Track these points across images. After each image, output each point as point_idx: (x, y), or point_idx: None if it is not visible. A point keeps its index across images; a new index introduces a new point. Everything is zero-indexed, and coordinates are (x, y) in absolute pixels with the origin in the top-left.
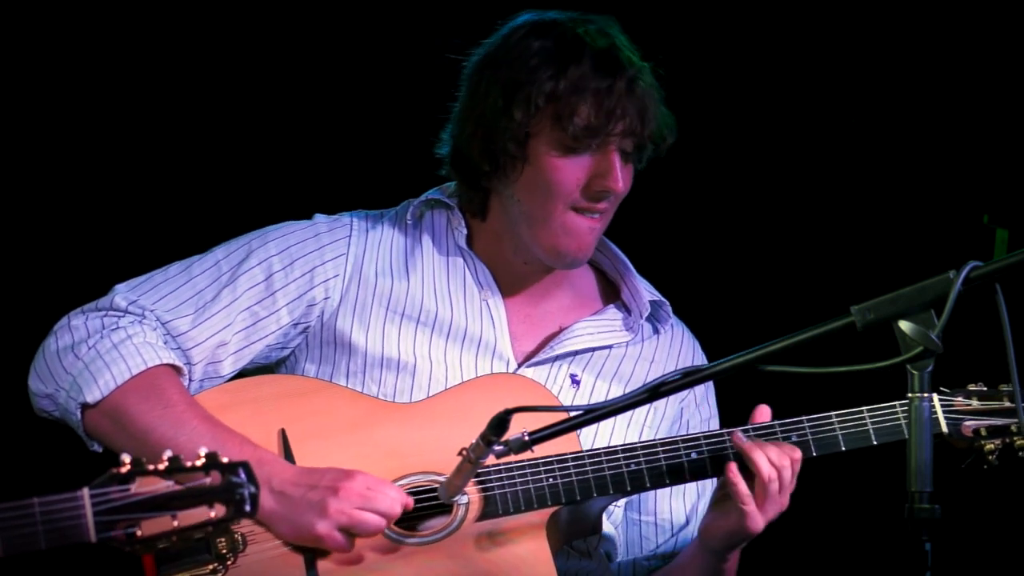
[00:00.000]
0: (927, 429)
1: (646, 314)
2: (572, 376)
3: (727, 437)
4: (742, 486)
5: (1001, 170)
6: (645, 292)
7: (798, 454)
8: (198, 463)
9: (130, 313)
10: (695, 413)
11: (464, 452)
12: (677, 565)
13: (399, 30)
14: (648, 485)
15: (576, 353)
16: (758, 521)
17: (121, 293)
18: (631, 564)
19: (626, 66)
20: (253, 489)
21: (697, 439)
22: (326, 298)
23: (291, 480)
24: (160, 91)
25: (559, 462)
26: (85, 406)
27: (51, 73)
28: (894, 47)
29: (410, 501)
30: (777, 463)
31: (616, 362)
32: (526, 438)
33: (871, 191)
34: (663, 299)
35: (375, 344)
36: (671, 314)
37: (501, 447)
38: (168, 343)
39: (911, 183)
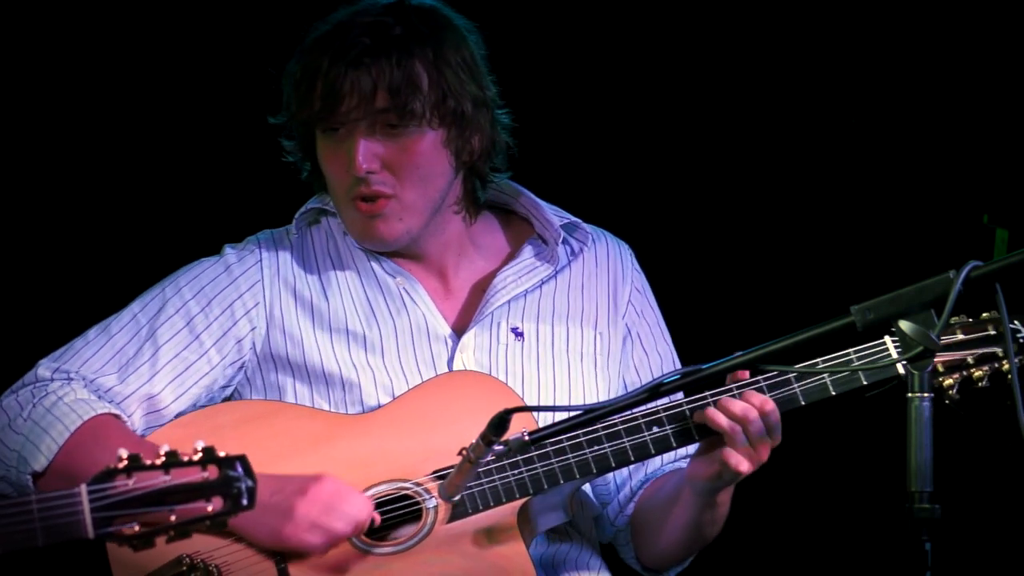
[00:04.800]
0: (927, 429)
1: (559, 239)
2: (514, 330)
3: (686, 406)
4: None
5: (1001, 170)
6: (555, 218)
7: (770, 406)
8: (195, 457)
9: (56, 379)
10: (641, 324)
11: (464, 452)
12: (667, 498)
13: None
14: (614, 465)
15: (508, 304)
16: (734, 471)
17: (44, 365)
18: (605, 512)
19: (348, 40)
20: (251, 483)
21: (657, 412)
22: (252, 329)
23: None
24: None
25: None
26: (36, 475)
27: None
28: (894, 47)
29: (376, 517)
30: (741, 416)
31: (550, 300)
32: (526, 438)
33: (871, 191)
34: (575, 219)
35: (314, 362)
36: (588, 229)
37: (501, 447)
38: (101, 398)
39: (911, 183)
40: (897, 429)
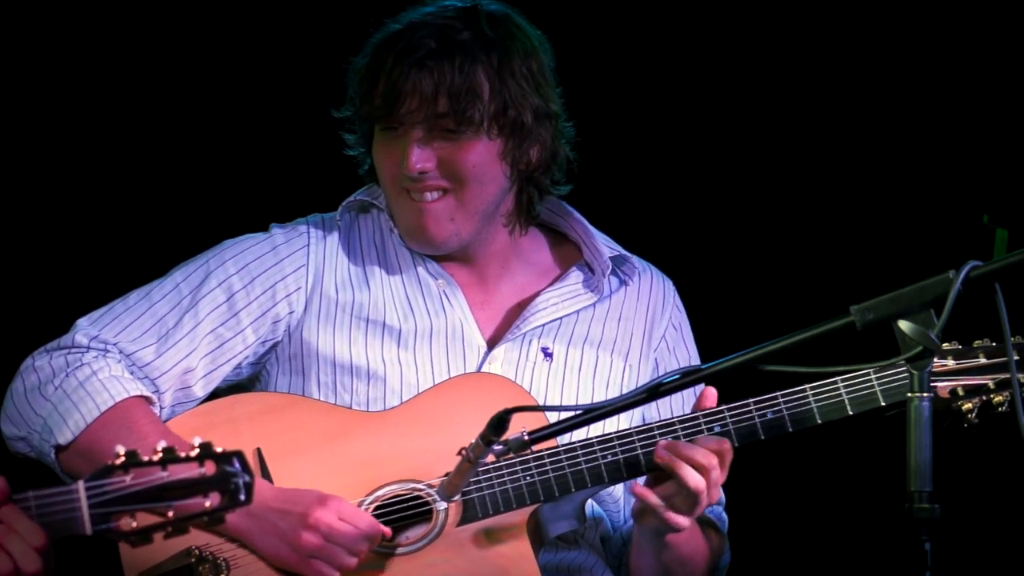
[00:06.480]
0: (927, 429)
1: (608, 272)
2: (544, 349)
3: (701, 420)
4: (651, 498)
5: (1001, 170)
6: (605, 249)
7: (726, 446)
8: (192, 453)
9: (93, 348)
10: (671, 361)
11: (464, 452)
12: (636, 545)
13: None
14: (625, 475)
15: (543, 324)
16: (682, 522)
17: (82, 329)
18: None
19: (414, 41)
20: (248, 478)
21: (672, 424)
22: (291, 312)
23: (266, 503)
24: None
25: (535, 459)
26: (58, 448)
27: None
28: (894, 47)
29: (387, 530)
30: (706, 465)
31: (585, 326)
32: (526, 437)
33: (871, 191)
34: (625, 253)
35: (343, 353)
36: (636, 264)
37: (501, 447)
38: (135, 374)
39: (911, 183)
40: (897, 429)
